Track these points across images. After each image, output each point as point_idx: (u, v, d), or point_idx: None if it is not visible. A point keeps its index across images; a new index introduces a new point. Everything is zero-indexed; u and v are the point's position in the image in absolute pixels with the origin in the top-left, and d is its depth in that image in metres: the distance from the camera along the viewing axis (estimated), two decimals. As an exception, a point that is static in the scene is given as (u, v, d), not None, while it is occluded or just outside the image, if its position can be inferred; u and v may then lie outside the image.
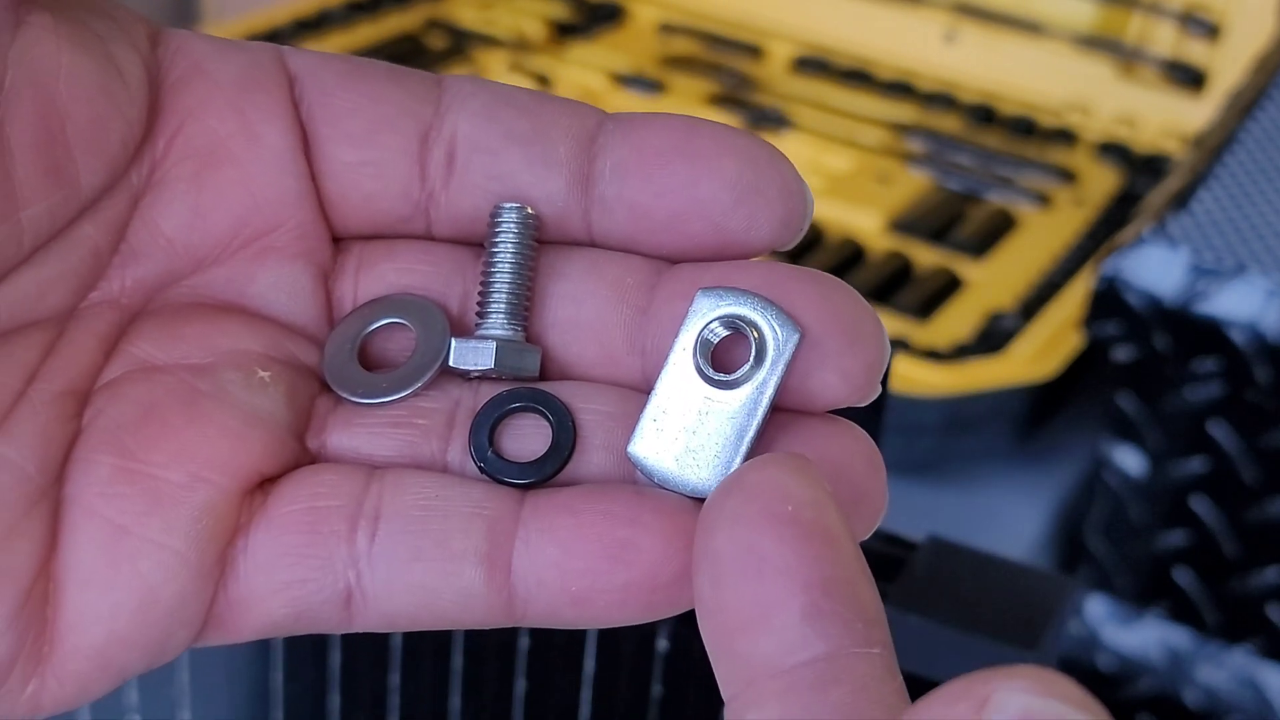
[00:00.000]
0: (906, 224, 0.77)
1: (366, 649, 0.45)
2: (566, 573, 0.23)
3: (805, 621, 0.22)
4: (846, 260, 0.74)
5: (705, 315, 0.24)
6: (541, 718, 0.43)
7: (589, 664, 0.41)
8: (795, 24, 0.94)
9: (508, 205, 0.25)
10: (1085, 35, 0.88)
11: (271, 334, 0.25)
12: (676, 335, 0.24)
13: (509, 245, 0.25)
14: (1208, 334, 0.58)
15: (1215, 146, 0.64)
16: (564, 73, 0.87)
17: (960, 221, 0.78)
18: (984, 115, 0.88)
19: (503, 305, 0.25)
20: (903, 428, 0.65)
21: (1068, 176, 0.83)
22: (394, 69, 0.26)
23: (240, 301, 0.25)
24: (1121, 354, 0.61)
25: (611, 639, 0.41)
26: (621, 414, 0.24)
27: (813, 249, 0.75)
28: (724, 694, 0.23)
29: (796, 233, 0.25)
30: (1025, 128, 0.87)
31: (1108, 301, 0.60)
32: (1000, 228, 0.78)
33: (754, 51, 0.93)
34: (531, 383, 0.25)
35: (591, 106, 0.26)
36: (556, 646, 0.42)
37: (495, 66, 0.88)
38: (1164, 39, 0.86)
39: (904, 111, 0.88)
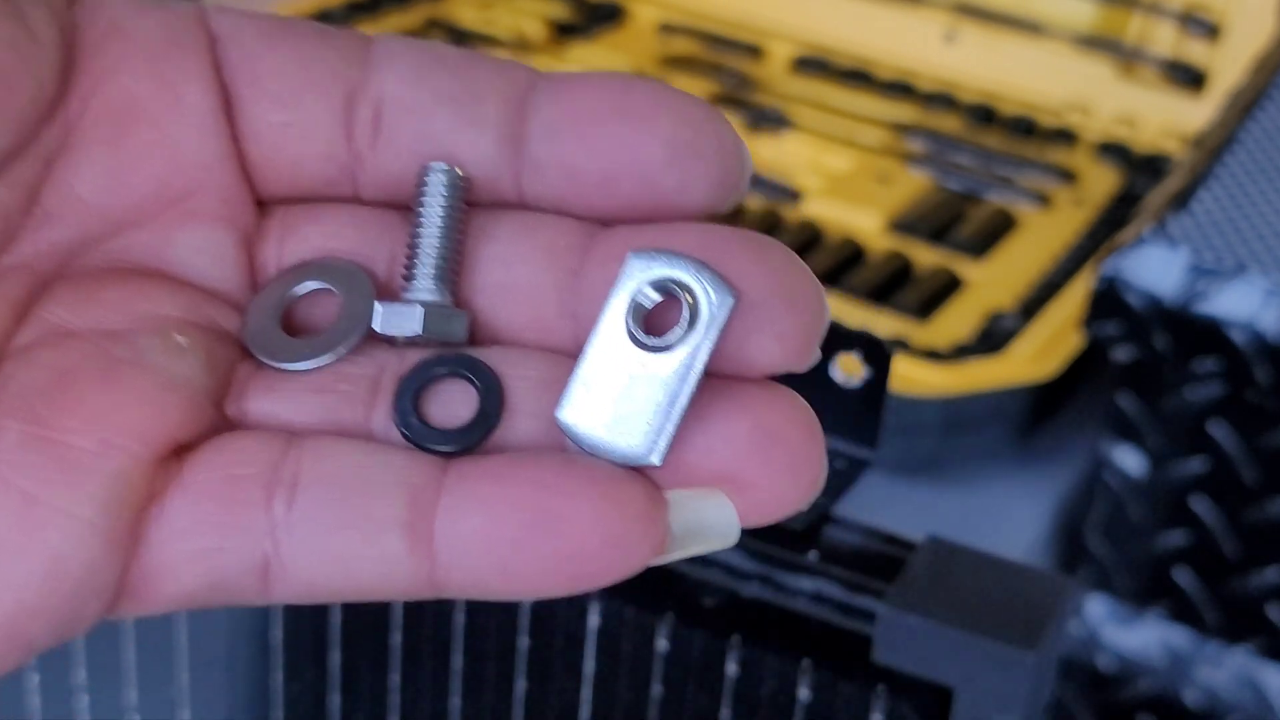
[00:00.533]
0: (906, 224, 0.77)
1: (366, 649, 0.45)
2: (492, 542, 0.22)
3: None
4: (846, 260, 0.74)
5: (637, 278, 0.23)
6: (541, 718, 0.42)
7: (589, 664, 0.41)
8: (795, 24, 0.94)
9: (436, 166, 0.24)
10: (1085, 35, 0.88)
11: (191, 299, 0.25)
12: (608, 298, 0.23)
13: (437, 207, 0.24)
14: (1208, 334, 0.58)
15: (1215, 146, 0.64)
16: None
17: (960, 221, 0.78)
18: (984, 115, 0.88)
19: (430, 269, 0.24)
20: (903, 428, 0.65)
21: (1068, 176, 0.83)
22: (321, 28, 0.25)
23: (159, 266, 0.25)
24: (1121, 354, 0.61)
25: (611, 639, 0.40)
26: (552, 379, 0.24)
27: (812, 249, 0.75)
28: None
29: (734, 194, 0.24)
30: (1025, 128, 0.87)
31: (1108, 301, 0.60)
32: (1000, 228, 0.78)
33: (754, 51, 0.93)
34: (459, 348, 0.24)
35: (523, 65, 0.25)
36: (556, 647, 0.41)
37: (495, 66, 0.88)
38: (1164, 39, 0.86)
39: (904, 111, 0.88)
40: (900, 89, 0.90)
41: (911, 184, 0.81)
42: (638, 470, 0.23)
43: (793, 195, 0.77)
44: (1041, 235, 0.78)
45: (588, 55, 0.92)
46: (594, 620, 0.40)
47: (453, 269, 0.24)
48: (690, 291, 0.23)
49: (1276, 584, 0.61)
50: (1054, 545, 0.70)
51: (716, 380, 0.23)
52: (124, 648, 0.48)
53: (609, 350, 0.23)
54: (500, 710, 0.43)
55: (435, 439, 0.23)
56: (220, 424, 0.24)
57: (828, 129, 0.85)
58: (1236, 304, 0.58)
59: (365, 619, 0.44)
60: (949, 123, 0.87)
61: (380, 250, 0.25)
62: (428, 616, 0.43)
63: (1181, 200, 0.61)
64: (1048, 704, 0.39)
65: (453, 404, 0.24)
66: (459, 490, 0.22)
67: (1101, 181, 0.83)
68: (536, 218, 0.25)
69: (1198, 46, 0.85)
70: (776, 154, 0.81)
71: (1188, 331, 0.59)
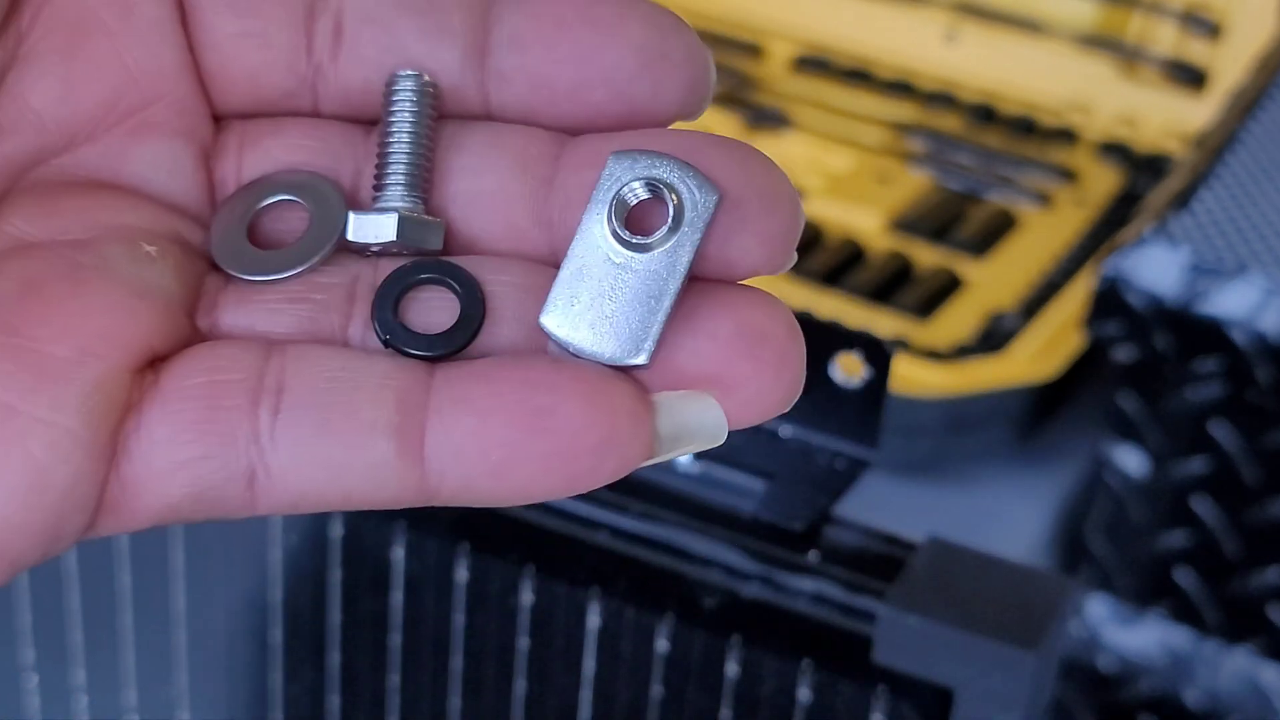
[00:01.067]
0: (907, 224, 0.77)
1: (366, 650, 0.44)
2: (484, 442, 0.22)
3: None
4: (846, 259, 0.74)
5: (620, 178, 0.23)
6: (541, 718, 0.42)
7: (589, 664, 0.41)
8: (795, 24, 0.93)
9: (405, 73, 0.24)
10: (1086, 35, 0.88)
11: (153, 211, 0.24)
12: (590, 200, 0.23)
13: (407, 115, 0.24)
14: (1208, 334, 0.58)
15: (1216, 146, 0.64)
16: (564, 72, 0.87)
17: (960, 221, 0.78)
18: (984, 115, 0.88)
19: (402, 177, 0.24)
20: (903, 428, 0.65)
21: (1068, 176, 0.82)
22: None
23: (116, 180, 0.24)
24: (1122, 354, 0.61)
25: (611, 639, 0.40)
26: (531, 286, 0.23)
27: (812, 248, 0.74)
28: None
29: (703, 99, 0.24)
30: (1025, 127, 0.87)
31: (1108, 301, 0.60)
32: (1001, 227, 0.78)
33: (754, 51, 0.93)
34: (435, 256, 0.24)
35: None
36: (556, 647, 0.41)
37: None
38: (1165, 39, 0.86)
39: (904, 111, 0.88)
40: (900, 89, 0.90)
41: (912, 184, 0.81)
42: (625, 371, 0.23)
43: (793, 195, 0.77)
44: (1042, 235, 0.78)
45: (588, 55, 0.92)
46: (594, 620, 0.40)
47: (425, 178, 0.24)
48: (674, 190, 0.23)
49: (1277, 584, 0.61)
50: (1054, 545, 0.70)
51: (699, 282, 0.23)
52: (124, 648, 0.48)
53: (592, 252, 0.23)
54: (500, 710, 0.43)
55: (419, 344, 0.23)
56: (193, 336, 0.23)
57: (828, 129, 0.85)
58: (1237, 304, 0.58)
59: (365, 619, 0.44)
60: (949, 122, 0.87)
61: (344, 164, 0.25)
62: (428, 616, 0.43)
63: (1182, 200, 0.61)
64: (1048, 704, 0.39)
65: (433, 311, 0.23)
66: (447, 393, 0.22)
67: (1102, 181, 0.82)
68: (506, 128, 0.24)
69: (1198, 46, 0.85)
70: (776, 154, 0.80)
71: (1188, 331, 0.59)
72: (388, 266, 0.24)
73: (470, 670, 0.43)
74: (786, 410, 0.23)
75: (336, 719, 0.46)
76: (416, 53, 0.24)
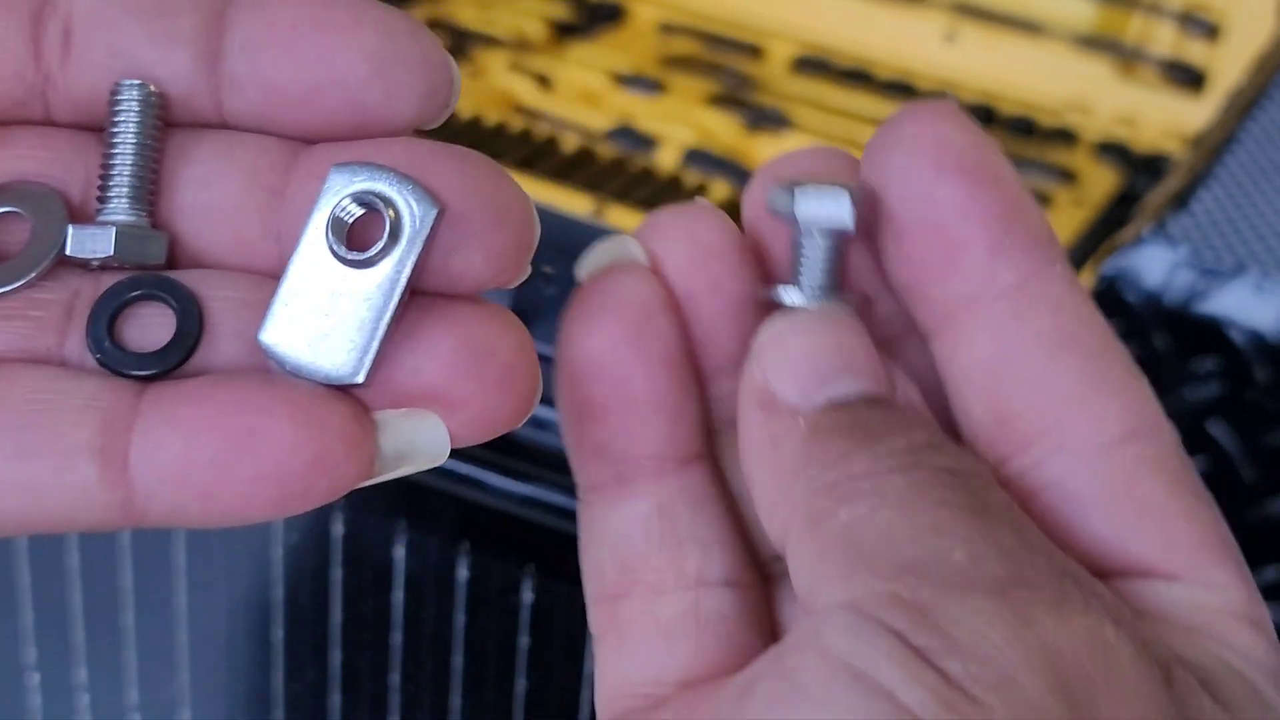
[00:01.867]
0: (906, 224, 0.77)
1: (367, 649, 0.45)
2: (190, 465, 0.21)
3: (993, 256, 0.23)
4: (846, 260, 0.74)
5: (338, 192, 0.23)
6: (542, 715, 0.42)
7: (590, 664, 0.41)
8: (795, 24, 0.94)
9: (127, 83, 0.24)
10: (1085, 35, 0.88)
11: None
12: (310, 213, 0.23)
13: (130, 125, 0.23)
14: (1207, 334, 0.58)
15: (1215, 146, 0.64)
16: (564, 73, 0.87)
17: (960, 221, 0.78)
18: (984, 115, 0.88)
19: (125, 189, 0.23)
20: (903, 427, 0.65)
21: (1068, 176, 0.83)
22: None
23: None
24: (1121, 354, 0.61)
25: (612, 638, 0.40)
26: (255, 301, 0.23)
27: (813, 249, 0.75)
28: (923, 333, 0.24)
29: (442, 108, 0.24)
30: (1025, 128, 0.87)
31: (1108, 301, 0.60)
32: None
33: (754, 51, 0.93)
34: (158, 271, 0.24)
35: None
36: (556, 646, 0.41)
37: (495, 66, 0.88)
38: (1164, 39, 0.86)
39: (904, 111, 0.88)
40: (900, 89, 0.90)
41: (911, 184, 0.81)
42: (344, 390, 0.22)
43: (793, 195, 0.77)
44: (1041, 235, 0.78)
45: (588, 55, 0.92)
46: (594, 620, 0.40)
47: (149, 190, 0.24)
48: (392, 204, 0.22)
49: (1277, 582, 0.61)
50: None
51: (425, 298, 0.23)
52: (124, 648, 0.48)
53: (311, 268, 0.23)
54: (501, 708, 0.43)
55: (130, 363, 0.23)
56: None
57: (828, 129, 0.85)
58: (1236, 304, 0.58)
59: (365, 619, 0.44)
60: (949, 123, 0.87)
61: (74, 173, 0.24)
62: (429, 615, 0.43)
63: (1181, 200, 0.61)
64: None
65: (150, 327, 0.23)
66: (154, 414, 0.22)
67: (1101, 181, 0.83)
68: (237, 137, 0.24)
69: (1198, 46, 0.85)
70: (776, 154, 0.81)
71: (1187, 331, 0.59)
72: (108, 281, 0.23)
73: (471, 668, 0.43)
74: (518, 426, 0.23)
75: (338, 717, 0.46)
76: (145, 59, 0.24)
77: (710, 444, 0.25)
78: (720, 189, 0.74)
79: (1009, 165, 0.23)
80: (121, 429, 0.22)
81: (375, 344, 0.22)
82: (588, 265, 0.25)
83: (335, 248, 0.23)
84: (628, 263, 0.25)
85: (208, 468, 0.21)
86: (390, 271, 0.22)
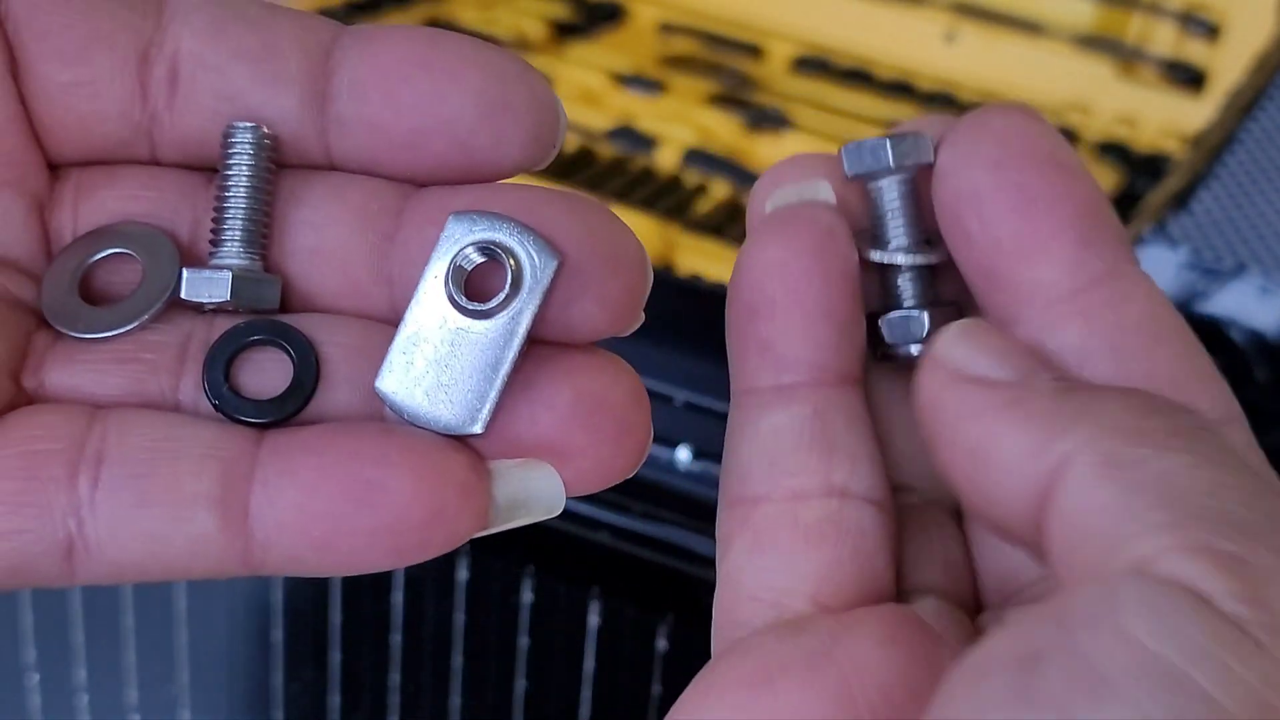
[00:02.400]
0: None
1: (367, 649, 0.45)
2: (308, 516, 0.21)
3: (1083, 246, 0.23)
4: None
5: (458, 241, 0.22)
6: (542, 716, 0.42)
7: (589, 664, 0.41)
8: (795, 24, 0.94)
9: (241, 125, 0.23)
10: (1085, 35, 0.88)
11: None
12: (427, 263, 0.23)
13: (244, 168, 0.23)
14: (1208, 334, 0.58)
15: (1215, 146, 0.64)
16: (564, 72, 0.87)
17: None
18: (984, 115, 0.88)
19: (239, 232, 0.23)
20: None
21: (1068, 176, 0.82)
22: None
23: None
24: (1121, 354, 0.61)
25: (611, 639, 0.40)
26: (368, 347, 0.23)
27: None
28: (996, 322, 0.24)
29: (549, 150, 0.24)
30: (1025, 128, 0.87)
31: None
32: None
33: (754, 51, 0.93)
34: (271, 315, 0.23)
35: (326, 20, 0.24)
36: (556, 646, 0.41)
37: (495, 66, 0.88)
38: (1164, 39, 0.86)
39: (904, 111, 0.88)
40: (900, 89, 0.90)
41: (911, 184, 0.81)
42: (460, 440, 0.22)
43: (793, 195, 0.78)
44: (1041, 235, 0.78)
45: (588, 55, 0.92)
46: (594, 620, 0.40)
47: (262, 233, 0.24)
48: (513, 254, 0.22)
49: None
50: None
51: (540, 347, 0.23)
52: (124, 647, 0.48)
53: (429, 316, 0.23)
54: (501, 709, 0.43)
55: (248, 410, 0.23)
56: (17, 398, 0.23)
57: (828, 129, 0.85)
58: (1236, 304, 0.58)
59: (365, 619, 0.44)
60: (949, 123, 0.87)
61: (182, 214, 0.24)
62: (428, 616, 0.43)
63: (1181, 200, 0.61)
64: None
65: (266, 373, 0.23)
66: (274, 464, 0.22)
67: (1101, 181, 0.82)
68: (346, 179, 0.24)
69: (1198, 46, 0.85)
70: (776, 154, 0.81)
71: (1187, 331, 0.59)
72: (222, 324, 0.23)
73: (471, 669, 0.43)
74: (630, 476, 0.23)
75: (338, 717, 0.46)
76: (253, 100, 0.24)
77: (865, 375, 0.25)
78: (720, 189, 0.74)
79: (1083, 163, 0.24)
80: (241, 479, 0.22)
81: (494, 395, 0.22)
82: (776, 198, 0.25)
83: (455, 297, 0.22)
84: (814, 198, 0.25)
85: (327, 519, 0.21)
86: (509, 321, 0.22)
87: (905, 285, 0.25)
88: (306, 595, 0.44)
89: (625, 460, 0.23)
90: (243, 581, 0.45)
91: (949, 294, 0.26)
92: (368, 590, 0.43)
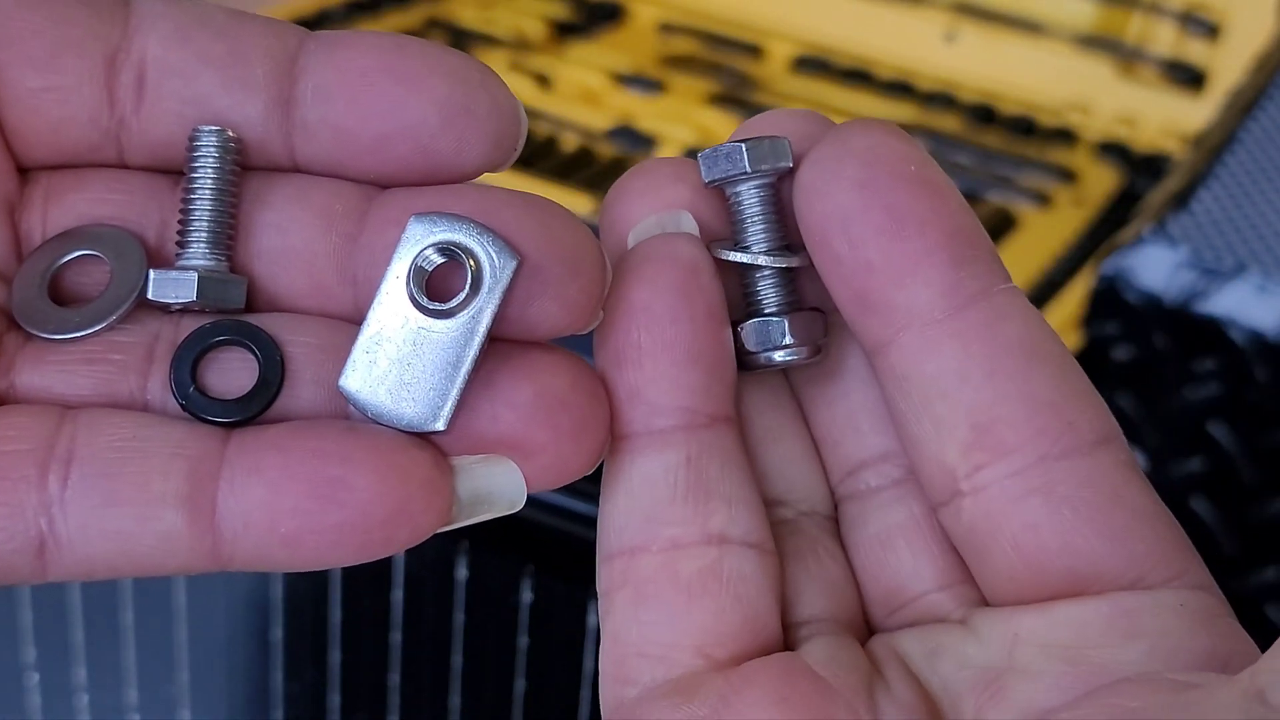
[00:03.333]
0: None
1: (366, 649, 0.45)
2: (275, 513, 0.22)
3: (957, 266, 0.23)
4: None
5: (419, 242, 0.23)
6: (541, 718, 0.42)
7: (589, 664, 0.41)
8: (795, 24, 0.94)
9: (206, 129, 0.24)
10: (1085, 35, 0.88)
11: None
12: (389, 263, 0.23)
13: (209, 170, 0.24)
14: (1208, 334, 0.58)
15: (1215, 146, 0.64)
16: (564, 72, 0.87)
17: (960, 221, 0.78)
18: (984, 115, 0.88)
19: (204, 234, 0.24)
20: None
21: (1068, 176, 0.83)
22: None
23: None
24: (1121, 353, 0.61)
25: (611, 638, 0.41)
26: (332, 346, 0.23)
27: (813, 249, 0.75)
28: (868, 345, 0.24)
29: (510, 154, 0.24)
30: (1025, 128, 0.87)
31: (1108, 301, 0.60)
32: (1000, 227, 0.78)
33: (754, 51, 0.93)
34: (236, 315, 0.24)
35: (293, 26, 0.24)
36: (556, 646, 0.41)
37: (495, 66, 0.87)
38: (1164, 39, 0.86)
39: (904, 111, 0.88)
40: (900, 89, 0.90)
41: (911, 184, 0.81)
42: (423, 437, 0.23)
43: (793, 195, 0.78)
44: (1041, 235, 0.78)
45: (588, 55, 0.92)
46: (593, 620, 0.40)
47: (227, 234, 0.24)
48: (473, 255, 0.23)
49: (1276, 583, 0.61)
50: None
51: (501, 345, 0.23)
52: (124, 647, 0.48)
53: (391, 316, 0.23)
54: (500, 708, 0.43)
55: (214, 410, 0.23)
56: None
57: (828, 129, 0.85)
58: (1236, 304, 0.58)
59: (365, 619, 0.44)
60: (949, 123, 0.87)
61: (150, 216, 0.25)
62: (427, 616, 0.43)
63: (1181, 200, 0.61)
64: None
65: (232, 372, 0.23)
66: (240, 462, 0.22)
67: (1101, 181, 0.83)
68: (311, 181, 0.24)
69: (1198, 46, 0.85)
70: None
71: (1187, 331, 0.59)
72: (189, 325, 0.24)
73: (470, 668, 0.43)
74: (589, 473, 0.23)
75: (337, 717, 0.46)
76: (220, 105, 0.24)
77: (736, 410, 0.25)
78: (720, 189, 0.74)
79: (951, 180, 0.24)
80: (208, 477, 0.22)
81: (455, 392, 0.23)
82: (638, 232, 0.25)
83: (417, 297, 0.23)
84: (677, 230, 0.25)
85: (293, 516, 0.22)
86: (469, 320, 0.23)
87: (765, 291, 0.25)
88: (306, 594, 0.44)
89: (584, 457, 0.23)
90: (242, 580, 0.45)
91: (812, 298, 0.26)
92: (367, 589, 0.43)
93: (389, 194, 0.24)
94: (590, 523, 0.40)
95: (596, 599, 0.35)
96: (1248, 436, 0.60)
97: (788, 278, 0.25)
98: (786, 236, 0.25)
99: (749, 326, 0.25)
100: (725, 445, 0.25)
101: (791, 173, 0.25)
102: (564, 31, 0.95)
